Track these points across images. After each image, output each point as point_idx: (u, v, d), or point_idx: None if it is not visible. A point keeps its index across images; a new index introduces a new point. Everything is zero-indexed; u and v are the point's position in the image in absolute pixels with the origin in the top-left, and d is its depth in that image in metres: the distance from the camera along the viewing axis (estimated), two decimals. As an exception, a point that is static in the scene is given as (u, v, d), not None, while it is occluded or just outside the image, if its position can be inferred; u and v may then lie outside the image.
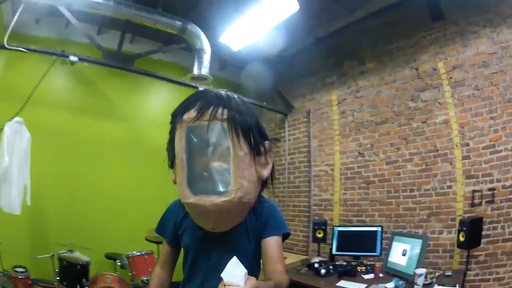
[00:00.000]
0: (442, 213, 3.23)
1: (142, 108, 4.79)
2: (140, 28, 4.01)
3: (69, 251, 3.51)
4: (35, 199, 3.46)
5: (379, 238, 3.38)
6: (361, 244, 3.48)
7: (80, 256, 3.52)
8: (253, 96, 5.86)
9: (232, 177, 1.02)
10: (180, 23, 3.77)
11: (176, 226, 1.26)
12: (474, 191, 3.06)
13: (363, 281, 2.93)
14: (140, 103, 4.85)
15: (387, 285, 2.76)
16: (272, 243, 1.14)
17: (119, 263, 3.70)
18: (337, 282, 2.94)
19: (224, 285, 0.82)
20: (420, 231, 3.34)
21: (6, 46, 3.32)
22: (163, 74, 4.18)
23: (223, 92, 1.10)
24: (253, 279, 0.85)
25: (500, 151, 2.96)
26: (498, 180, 2.93)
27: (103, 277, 3.30)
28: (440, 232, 3.21)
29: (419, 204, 3.42)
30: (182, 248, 1.29)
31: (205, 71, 3.92)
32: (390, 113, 3.88)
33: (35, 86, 3.39)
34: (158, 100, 4.87)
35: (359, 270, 3.18)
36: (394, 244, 3.14)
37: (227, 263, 0.87)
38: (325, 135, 4.63)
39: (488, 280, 2.87)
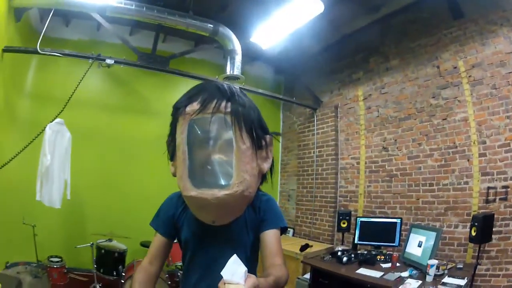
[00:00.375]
0: (459, 207, 3.32)
1: (175, 104, 5.07)
2: (172, 28, 4.10)
3: (107, 240, 3.70)
4: (74, 193, 3.66)
5: (398, 229, 3.55)
6: (381, 235, 3.65)
7: (117, 244, 3.74)
8: (283, 91, 6.10)
9: (235, 171, 1.00)
10: (211, 25, 3.89)
11: (174, 219, 1.24)
12: (489, 188, 3.12)
13: (381, 269, 3.11)
14: (173, 100, 5.09)
15: (402, 274, 2.94)
16: (270, 236, 1.14)
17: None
18: (357, 270, 3.14)
19: (224, 283, 0.82)
20: (438, 224, 3.44)
21: (39, 51, 3.48)
22: (196, 72, 4.34)
23: (225, 84, 1.08)
24: (253, 277, 0.84)
25: (516, 150, 3.00)
26: (512, 179, 2.98)
27: (139, 263, 3.63)
28: (456, 226, 3.31)
29: (437, 198, 3.52)
30: (179, 243, 1.29)
31: (237, 71, 4.06)
32: (413, 110, 3.96)
33: (75, 88, 3.45)
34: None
35: (378, 259, 3.35)
36: (412, 235, 3.30)
37: (226, 256, 0.87)
38: (351, 129, 4.76)
39: (498, 276, 2.94)
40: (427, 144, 3.73)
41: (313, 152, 5.20)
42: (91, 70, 3.68)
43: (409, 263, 3.14)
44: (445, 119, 3.59)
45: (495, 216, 2.97)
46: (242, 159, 1.01)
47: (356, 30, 4.54)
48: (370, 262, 3.29)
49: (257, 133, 1.07)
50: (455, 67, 3.57)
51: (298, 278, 3.72)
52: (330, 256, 3.59)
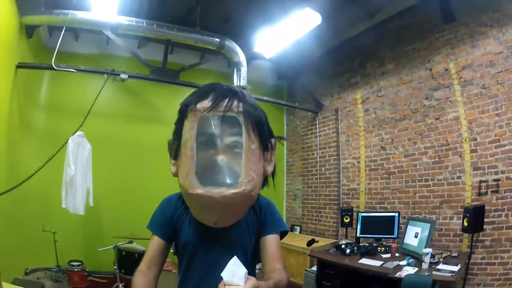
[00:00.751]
0: (453, 201, 3.46)
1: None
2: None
3: (128, 242, 3.76)
4: (94, 199, 3.78)
5: (396, 222, 3.69)
6: (381, 228, 3.79)
7: (137, 246, 3.82)
8: (286, 96, 6.27)
9: (243, 169, 0.96)
10: (218, 40, 4.06)
11: (173, 221, 1.18)
12: (480, 181, 3.25)
13: (381, 259, 3.26)
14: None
15: (400, 262, 3.10)
16: (271, 241, 1.13)
17: (172, 250, 4.20)
18: (359, 260, 3.29)
19: (224, 285, 0.81)
20: (434, 216, 3.57)
21: (54, 67, 3.53)
22: (204, 82, 4.52)
23: (236, 86, 1.06)
24: (253, 279, 0.84)
25: (505, 145, 3.13)
26: (503, 172, 3.11)
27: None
28: (451, 218, 3.44)
29: (432, 192, 3.66)
30: (176, 246, 1.22)
31: (243, 82, 4.25)
32: (407, 111, 4.10)
33: (93, 103, 3.55)
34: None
35: (379, 250, 3.50)
36: (409, 227, 3.45)
37: (227, 259, 0.86)
38: (351, 131, 4.90)
39: (494, 264, 3.05)
40: (421, 143, 3.87)
41: (316, 153, 5.36)
42: (107, 84, 3.82)
43: (407, 252, 3.29)
44: (438, 118, 3.73)
45: (488, 207, 3.11)
46: (251, 158, 0.98)
47: (353, 36, 4.71)
48: (371, 253, 3.44)
49: (265, 134, 1.05)
50: (447, 69, 3.72)
51: (306, 271, 3.86)
52: (335, 249, 3.74)
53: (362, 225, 3.94)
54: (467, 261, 2.97)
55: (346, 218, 4.16)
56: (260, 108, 1.09)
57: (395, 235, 3.66)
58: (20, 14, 3.33)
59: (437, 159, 3.68)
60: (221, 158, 0.97)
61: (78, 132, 3.57)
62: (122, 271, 3.68)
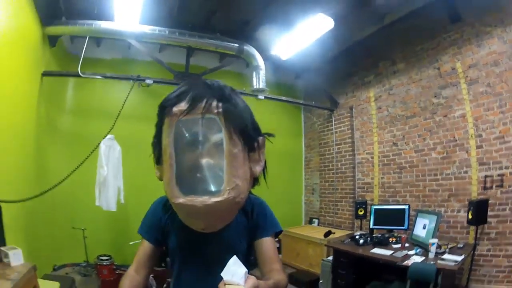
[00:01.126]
0: (460, 194, 3.59)
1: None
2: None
3: None
4: (124, 198, 3.91)
5: (406, 214, 3.84)
6: (393, 220, 3.96)
7: None
8: (303, 95, 6.45)
9: (226, 176, 0.88)
10: (237, 45, 4.22)
11: (162, 224, 1.13)
12: (486, 176, 3.37)
13: (392, 248, 3.44)
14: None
15: (409, 252, 3.27)
16: (268, 244, 1.10)
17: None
18: (371, 249, 3.48)
19: (225, 284, 0.80)
20: (442, 209, 3.72)
21: (81, 75, 3.63)
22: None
23: (216, 82, 0.96)
24: (253, 278, 0.82)
25: (509, 142, 3.23)
26: (507, 167, 3.22)
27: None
28: (458, 211, 3.58)
29: (441, 186, 3.80)
30: (167, 250, 1.17)
31: (262, 84, 4.43)
32: (417, 108, 4.22)
33: (121, 107, 3.63)
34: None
35: (390, 241, 3.66)
36: (418, 219, 3.60)
37: (218, 263, 0.85)
38: (365, 127, 5.06)
39: (499, 256, 3.17)
40: (430, 139, 4.00)
41: (333, 149, 5.54)
42: (129, 87, 3.92)
43: (416, 243, 3.46)
44: (446, 116, 3.84)
45: (493, 201, 3.24)
46: (233, 163, 0.89)
47: (365, 36, 4.78)
48: (383, 243, 3.62)
49: (249, 135, 0.95)
50: (454, 69, 3.81)
51: (323, 260, 4.09)
52: (350, 239, 3.92)
53: (375, 217, 4.12)
54: (472, 252, 3.11)
55: (361, 211, 4.35)
56: (244, 105, 0.99)
57: (405, 227, 3.83)
58: (43, 25, 3.43)
59: (445, 154, 3.80)
60: (203, 164, 0.89)
61: (109, 136, 3.71)
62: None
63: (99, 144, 3.72)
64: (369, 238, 3.78)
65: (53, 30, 3.59)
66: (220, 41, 4.17)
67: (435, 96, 3.99)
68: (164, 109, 0.94)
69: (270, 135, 1.07)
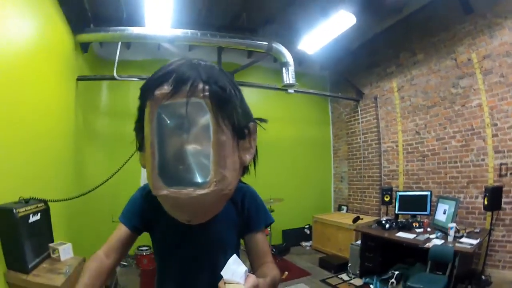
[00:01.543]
0: (478, 181, 3.77)
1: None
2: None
3: None
4: None
5: (428, 200, 4.08)
6: (416, 205, 4.20)
7: None
8: (329, 86, 6.67)
9: (212, 167, 0.81)
10: (266, 43, 4.35)
11: (144, 214, 1.06)
12: (501, 164, 3.53)
13: (415, 232, 3.73)
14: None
15: (430, 236, 3.55)
16: (260, 237, 1.07)
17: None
18: (396, 233, 3.79)
19: (225, 283, 0.78)
20: (462, 195, 3.92)
21: (117, 78, 3.74)
22: (252, 78, 5.10)
23: (202, 62, 0.88)
24: (253, 277, 0.81)
25: (522, 130, 3.35)
26: (520, 156, 3.36)
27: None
28: (476, 197, 3.77)
29: (461, 173, 3.99)
30: (152, 241, 1.11)
31: (292, 80, 4.64)
32: (437, 98, 4.37)
33: None
34: (252, 100, 5.60)
35: (414, 225, 3.94)
36: (439, 205, 3.85)
37: (205, 256, 0.84)
38: (389, 117, 5.24)
39: None
40: (450, 128, 4.16)
41: (360, 138, 5.78)
42: None
43: (437, 227, 3.73)
44: (464, 105, 3.99)
45: (508, 188, 3.42)
46: (221, 153, 0.81)
47: (385, 28, 4.91)
48: (407, 227, 3.92)
49: (239, 121, 0.87)
50: (469, 59, 3.92)
51: (352, 244, 4.45)
52: (376, 224, 4.25)
53: (399, 203, 4.39)
54: (488, 237, 3.32)
55: (387, 197, 4.61)
56: (234, 87, 0.89)
57: (427, 212, 4.07)
58: (74, 33, 3.53)
59: (464, 142, 3.97)
60: (188, 153, 0.81)
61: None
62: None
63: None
64: (394, 223, 4.08)
65: (86, 37, 3.70)
66: (250, 40, 4.32)
67: (453, 86, 4.12)
68: (145, 92, 0.86)
69: (262, 120, 0.97)
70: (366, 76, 5.75)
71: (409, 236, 3.64)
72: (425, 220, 3.91)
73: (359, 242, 4.30)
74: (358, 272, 4.10)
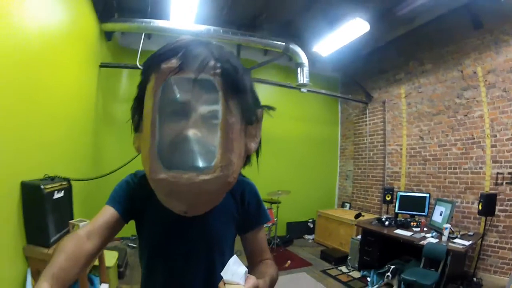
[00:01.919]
0: (475, 188, 4.00)
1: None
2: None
3: None
4: None
5: (427, 202, 4.31)
6: (415, 206, 4.43)
7: None
8: (340, 87, 6.88)
9: (219, 150, 0.73)
10: (283, 43, 4.62)
11: (135, 201, 0.93)
12: (498, 173, 3.75)
13: (412, 231, 3.96)
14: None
15: (426, 235, 3.80)
16: (260, 234, 1.03)
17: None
18: (394, 230, 4.04)
19: (225, 284, 0.73)
20: (459, 200, 4.16)
21: (140, 67, 3.74)
22: (268, 76, 5.32)
23: (212, 41, 0.81)
24: (253, 278, 0.76)
25: (519, 142, 3.57)
26: (516, 167, 3.58)
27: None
28: (472, 203, 4.00)
29: (459, 179, 4.22)
30: (139, 235, 0.99)
31: (306, 80, 4.93)
32: (442, 107, 4.58)
33: None
34: (265, 96, 5.76)
35: (412, 224, 4.20)
36: (436, 207, 4.08)
37: (200, 252, 0.81)
38: (396, 121, 5.46)
39: (505, 248, 3.57)
40: (452, 135, 4.38)
41: (366, 139, 6.02)
42: None
43: (433, 228, 3.97)
44: (466, 115, 4.20)
45: (502, 197, 3.64)
46: (230, 135, 0.75)
47: (396, 37, 5.12)
48: (405, 226, 4.17)
49: (249, 105, 0.82)
50: (475, 72, 4.12)
51: (352, 238, 4.72)
52: (377, 221, 4.50)
53: (400, 203, 4.63)
54: (481, 241, 3.55)
55: (388, 196, 4.87)
56: (244, 69, 0.82)
57: (425, 213, 4.31)
58: (100, 21, 3.67)
59: (464, 150, 4.19)
60: (193, 133, 0.72)
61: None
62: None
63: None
64: (393, 221, 4.33)
65: (111, 26, 3.81)
66: (268, 39, 4.58)
67: (458, 97, 4.33)
68: (150, 66, 0.78)
69: (270, 108, 0.91)
70: (375, 80, 5.95)
71: (407, 233, 3.88)
72: (423, 220, 4.16)
73: (359, 237, 4.56)
74: (356, 265, 4.36)
